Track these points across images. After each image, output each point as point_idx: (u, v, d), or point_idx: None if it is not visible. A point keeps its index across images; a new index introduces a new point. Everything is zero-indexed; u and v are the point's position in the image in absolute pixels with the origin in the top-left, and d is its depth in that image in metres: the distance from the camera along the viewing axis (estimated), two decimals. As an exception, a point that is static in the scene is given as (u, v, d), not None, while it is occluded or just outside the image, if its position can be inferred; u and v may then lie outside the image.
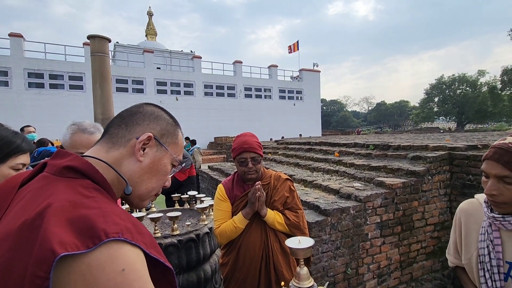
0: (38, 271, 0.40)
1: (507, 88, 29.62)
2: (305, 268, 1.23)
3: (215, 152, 17.13)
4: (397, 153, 4.05)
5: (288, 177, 1.81)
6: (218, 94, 22.30)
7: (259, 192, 1.59)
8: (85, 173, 0.56)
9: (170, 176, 0.72)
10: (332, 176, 4.06)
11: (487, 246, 1.06)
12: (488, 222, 1.09)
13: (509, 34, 26.07)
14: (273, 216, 1.65)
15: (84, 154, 0.62)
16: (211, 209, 2.40)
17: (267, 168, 1.86)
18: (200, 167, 7.45)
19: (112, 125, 0.67)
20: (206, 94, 21.71)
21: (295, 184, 2.70)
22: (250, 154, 1.63)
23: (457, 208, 1.25)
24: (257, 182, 1.63)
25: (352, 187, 3.35)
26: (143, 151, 0.65)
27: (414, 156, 3.74)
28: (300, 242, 1.26)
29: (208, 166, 6.78)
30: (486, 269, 1.06)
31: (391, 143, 4.44)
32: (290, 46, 24.96)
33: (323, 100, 49.98)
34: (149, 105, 0.71)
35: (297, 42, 24.54)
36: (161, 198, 4.55)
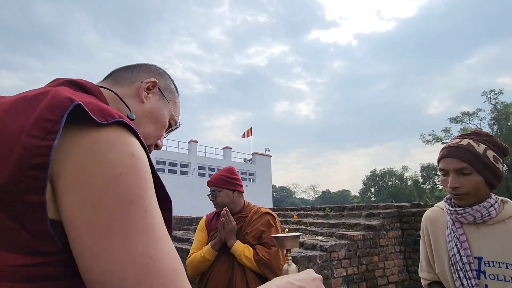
0: (49, 115, 0.34)
1: (427, 182, 34.61)
2: (294, 265, 1.13)
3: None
4: (353, 212, 4.24)
5: (270, 212, 1.71)
6: (170, 171, 21.73)
7: (223, 218, 1.51)
8: (89, 90, 0.51)
9: (165, 134, 0.70)
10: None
11: (455, 245, 1.08)
12: (452, 221, 1.12)
13: (421, 138, 32.20)
14: (241, 249, 1.50)
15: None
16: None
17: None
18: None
19: (117, 70, 0.67)
20: (158, 170, 20.94)
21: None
22: (211, 187, 1.67)
23: (422, 219, 1.30)
24: (224, 208, 1.56)
25: (315, 239, 3.29)
26: (147, 94, 0.64)
27: (368, 213, 3.95)
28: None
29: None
30: (459, 268, 1.06)
31: (346, 206, 4.67)
32: (244, 133, 26.85)
33: (273, 186, 51.63)
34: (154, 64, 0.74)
35: (251, 128, 26.65)
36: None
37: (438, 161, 1.15)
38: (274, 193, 53.63)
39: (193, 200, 21.35)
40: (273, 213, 1.70)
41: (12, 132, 0.33)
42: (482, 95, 27.87)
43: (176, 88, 0.73)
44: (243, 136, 26.61)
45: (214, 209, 1.74)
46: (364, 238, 3.28)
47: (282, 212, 5.35)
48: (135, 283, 0.30)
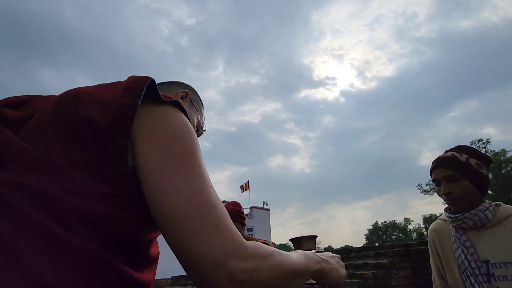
0: (135, 85, 0.45)
1: (432, 234, 33.27)
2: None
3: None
4: (360, 254, 4.12)
5: (265, 241, 1.72)
6: (164, 227, 20.78)
7: None
8: None
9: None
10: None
11: (462, 251, 1.12)
12: (455, 229, 1.17)
13: (419, 188, 32.09)
14: None
15: None
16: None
17: None
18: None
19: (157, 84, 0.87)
20: (151, 226, 20.12)
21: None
22: None
23: (428, 233, 1.33)
24: None
25: (324, 279, 3.16)
26: (181, 101, 0.79)
27: (376, 253, 3.85)
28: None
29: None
30: (469, 274, 1.09)
31: (352, 248, 4.55)
32: (242, 186, 26.60)
33: (272, 244, 49.00)
34: None
35: (248, 182, 26.45)
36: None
37: (431, 174, 1.26)
38: (274, 252, 50.49)
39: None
40: (268, 242, 1.71)
41: (107, 96, 0.44)
42: (471, 145, 28.78)
43: (202, 103, 0.89)
44: (242, 189, 26.27)
45: None
46: (374, 276, 3.17)
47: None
48: (196, 213, 0.37)
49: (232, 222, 0.40)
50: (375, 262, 3.49)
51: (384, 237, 40.89)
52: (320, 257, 0.53)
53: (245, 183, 26.23)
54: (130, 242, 0.42)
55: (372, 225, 43.32)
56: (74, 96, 0.45)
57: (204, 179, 0.41)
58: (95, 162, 0.40)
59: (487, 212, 1.11)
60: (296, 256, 0.47)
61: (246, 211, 26.67)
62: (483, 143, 28.32)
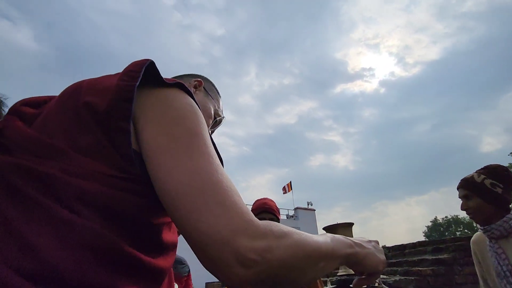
0: (133, 68, 0.45)
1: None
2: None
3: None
4: (415, 249, 3.74)
5: None
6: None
7: None
8: None
9: (213, 128, 0.82)
10: (349, 277, 3.55)
11: (495, 258, 1.26)
12: (488, 239, 1.31)
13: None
14: None
15: None
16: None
17: None
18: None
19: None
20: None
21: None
22: (268, 215, 1.68)
23: (470, 243, 1.51)
24: None
25: (375, 277, 2.91)
26: (195, 90, 0.77)
27: (434, 248, 3.46)
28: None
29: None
30: (502, 277, 1.21)
31: (406, 244, 4.16)
32: (284, 187, 26.42)
33: (321, 244, 47.64)
34: None
35: (290, 182, 26.17)
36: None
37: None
38: (324, 253, 49.04)
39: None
40: None
41: (107, 82, 0.44)
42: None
43: (218, 92, 0.86)
44: (284, 191, 26.08)
45: None
46: (434, 273, 2.83)
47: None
48: (200, 190, 0.36)
49: (242, 200, 0.38)
50: (434, 257, 3.12)
51: (446, 233, 37.19)
52: (353, 241, 0.48)
53: (287, 184, 25.98)
54: (139, 225, 0.41)
55: (431, 221, 39.76)
56: (78, 86, 0.46)
57: (209, 157, 0.40)
58: (98, 146, 0.40)
59: (511, 222, 1.23)
60: (321, 238, 0.43)
61: (290, 213, 26.36)
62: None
